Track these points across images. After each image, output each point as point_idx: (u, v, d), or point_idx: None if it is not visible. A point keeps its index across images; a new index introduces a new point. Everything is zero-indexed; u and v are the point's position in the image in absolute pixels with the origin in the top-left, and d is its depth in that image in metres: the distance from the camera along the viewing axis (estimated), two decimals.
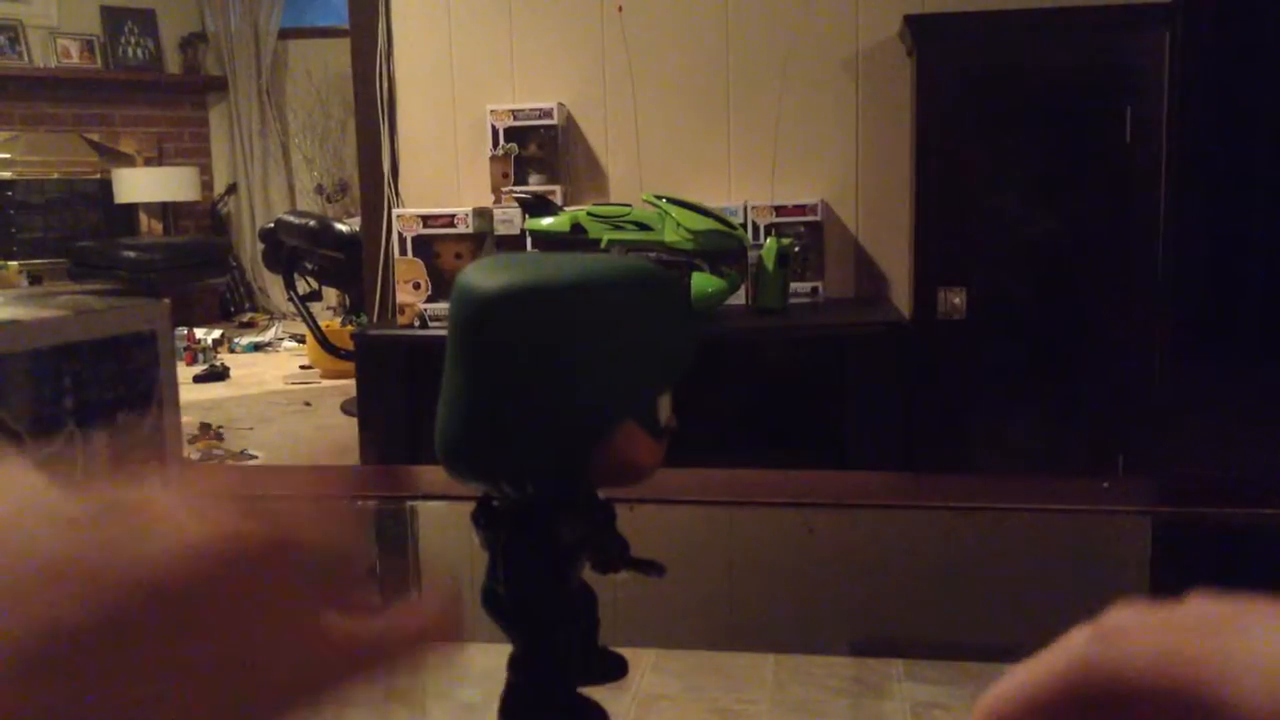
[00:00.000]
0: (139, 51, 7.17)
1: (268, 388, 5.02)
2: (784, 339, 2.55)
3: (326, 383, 4.95)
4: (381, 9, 2.87)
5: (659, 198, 2.47)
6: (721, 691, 0.61)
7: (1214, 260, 2.71)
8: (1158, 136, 2.45)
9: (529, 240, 2.58)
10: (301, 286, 4.81)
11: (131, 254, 6.56)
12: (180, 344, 5.42)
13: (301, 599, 0.27)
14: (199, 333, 5.73)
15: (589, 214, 2.49)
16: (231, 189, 7.48)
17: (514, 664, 0.46)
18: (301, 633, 0.27)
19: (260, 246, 5.43)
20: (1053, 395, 2.54)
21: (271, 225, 4.74)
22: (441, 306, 2.48)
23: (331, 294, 5.94)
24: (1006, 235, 2.51)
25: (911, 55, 2.61)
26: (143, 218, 7.20)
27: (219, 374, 5.19)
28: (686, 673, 0.63)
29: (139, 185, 7.01)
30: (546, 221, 2.50)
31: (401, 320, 2.55)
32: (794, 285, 2.59)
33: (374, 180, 2.95)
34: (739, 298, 2.54)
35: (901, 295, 2.73)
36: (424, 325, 2.49)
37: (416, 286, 2.56)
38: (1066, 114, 2.48)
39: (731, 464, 1.04)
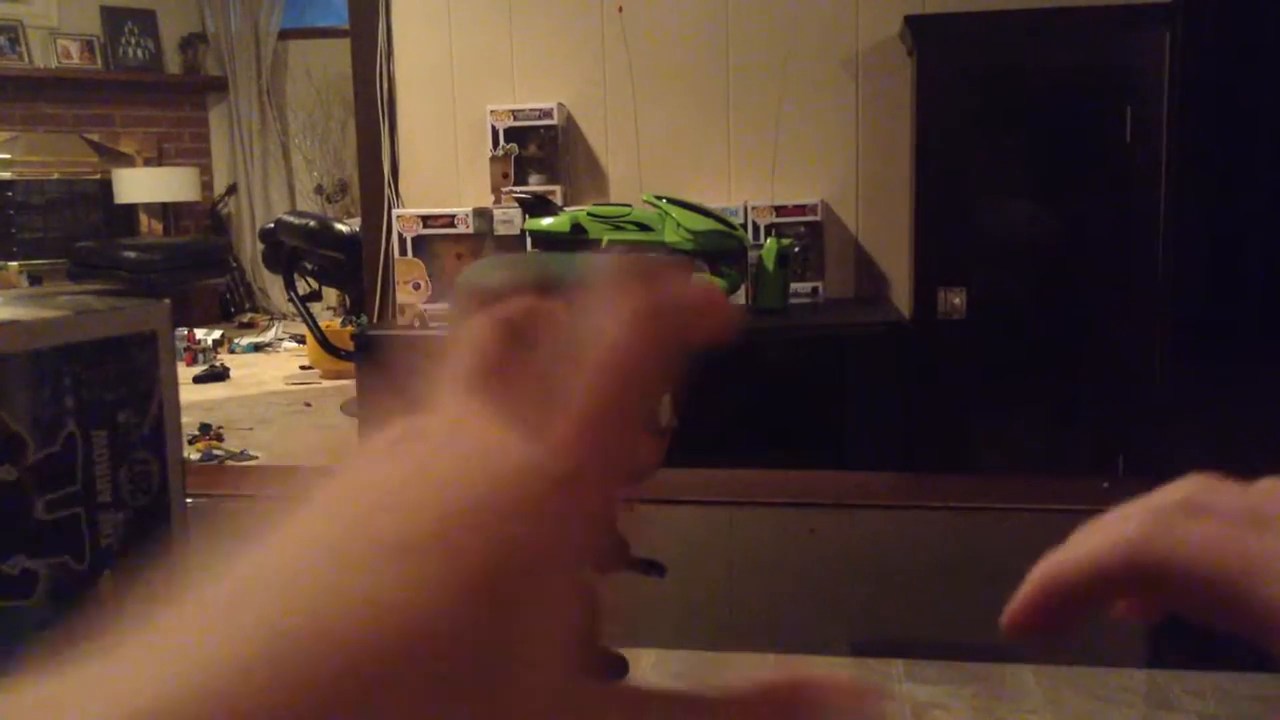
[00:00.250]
0: (139, 52, 7.17)
1: (268, 388, 5.02)
2: (784, 339, 2.55)
3: (326, 383, 4.95)
4: (381, 9, 2.87)
5: (659, 198, 2.47)
6: None
7: (1214, 260, 2.71)
8: (1158, 136, 2.45)
9: (529, 240, 2.58)
10: (301, 287, 4.81)
11: (132, 254, 6.57)
12: (180, 344, 5.42)
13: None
14: (199, 333, 5.73)
15: (589, 214, 2.49)
16: (231, 189, 7.48)
17: None
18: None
19: (260, 247, 5.43)
20: (1053, 395, 2.54)
21: (271, 225, 4.74)
22: (441, 307, 2.48)
23: (331, 294, 5.94)
24: (1006, 235, 2.51)
25: (912, 55, 2.61)
26: (143, 218, 7.20)
27: (219, 374, 5.19)
28: (686, 673, 0.63)
29: (139, 185, 7.01)
30: (546, 222, 2.50)
31: (401, 320, 2.55)
32: (794, 285, 2.60)
33: (374, 180, 2.95)
34: (739, 298, 2.54)
35: (901, 295, 2.73)
36: (424, 325, 2.49)
37: (416, 287, 2.56)
38: (1066, 114, 2.48)
39: (731, 464, 1.04)
